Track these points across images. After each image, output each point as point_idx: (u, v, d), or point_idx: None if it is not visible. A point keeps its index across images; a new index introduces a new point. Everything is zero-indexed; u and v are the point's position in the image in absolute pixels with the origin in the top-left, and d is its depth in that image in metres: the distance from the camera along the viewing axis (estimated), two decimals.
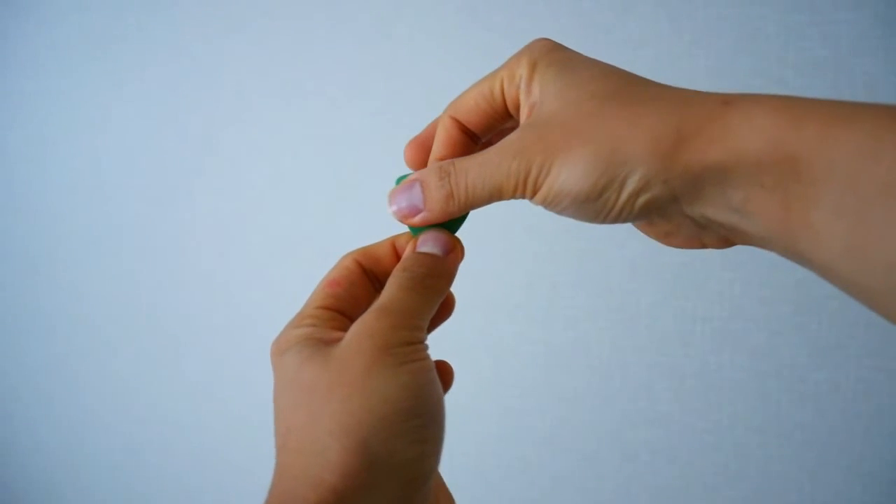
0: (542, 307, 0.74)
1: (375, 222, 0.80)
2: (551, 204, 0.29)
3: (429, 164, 0.35)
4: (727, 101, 0.27)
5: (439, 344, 0.86)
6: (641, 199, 0.28)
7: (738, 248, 0.31)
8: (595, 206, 0.28)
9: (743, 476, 0.69)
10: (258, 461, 0.90)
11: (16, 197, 0.98)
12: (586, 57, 0.31)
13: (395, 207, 0.33)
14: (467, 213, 0.32)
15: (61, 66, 0.91)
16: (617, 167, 0.27)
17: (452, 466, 0.80)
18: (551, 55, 0.30)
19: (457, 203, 0.31)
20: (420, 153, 0.35)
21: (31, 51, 0.93)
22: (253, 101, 0.83)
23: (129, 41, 0.88)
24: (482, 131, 0.34)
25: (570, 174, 0.28)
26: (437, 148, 0.34)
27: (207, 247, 0.88)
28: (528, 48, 0.31)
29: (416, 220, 0.32)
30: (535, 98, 0.30)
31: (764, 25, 0.63)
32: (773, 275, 0.66)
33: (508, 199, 0.30)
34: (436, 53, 0.74)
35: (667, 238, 0.31)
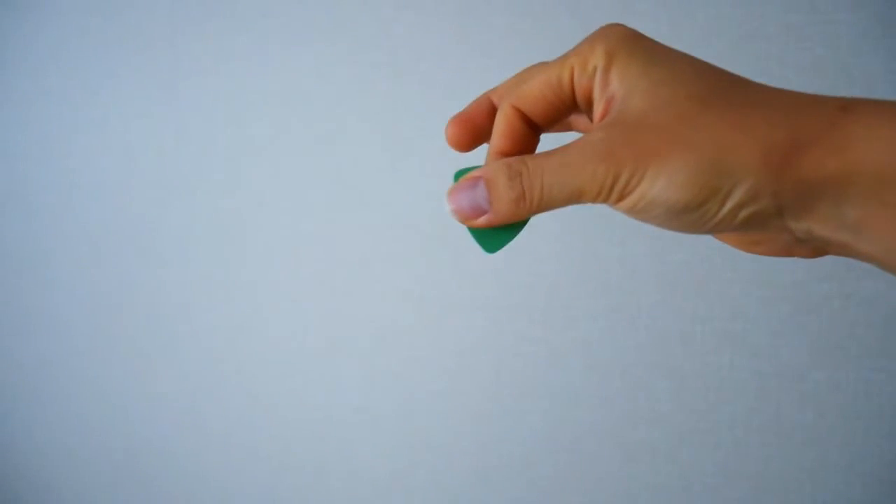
0: (542, 307, 0.74)
1: (376, 222, 0.80)
2: (641, 212, 0.27)
3: (489, 158, 0.32)
4: (845, 107, 0.25)
5: (440, 344, 0.86)
6: (745, 212, 0.25)
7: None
8: (691, 217, 0.26)
9: (743, 476, 0.69)
10: (258, 461, 0.90)
11: (16, 197, 0.98)
12: (671, 48, 0.28)
13: (454, 206, 0.29)
14: (532, 216, 0.30)
15: (61, 66, 0.91)
16: (723, 177, 0.25)
17: (452, 466, 0.80)
18: (632, 45, 0.28)
19: (528, 206, 0.28)
20: (465, 132, 0.32)
21: (31, 51, 0.93)
22: (253, 101, 0.83)
23: (129, 41, 0.88)
24: (546, 123, 0.31)
25: (668, 183, 0.25)
26: (498, 140, 0.31)
27: (207, 246, 0.88)
28: (603, 35, 0.29)
29: (481, 221, 0.29)
30: (614, 91, 0.28)
31: (764, 25, 0.63)
32: (773, 275, 0.66)
33: (587, 203, 0.28)
34: (436, 53, 0.74)
35: (752, 247, 0.29)
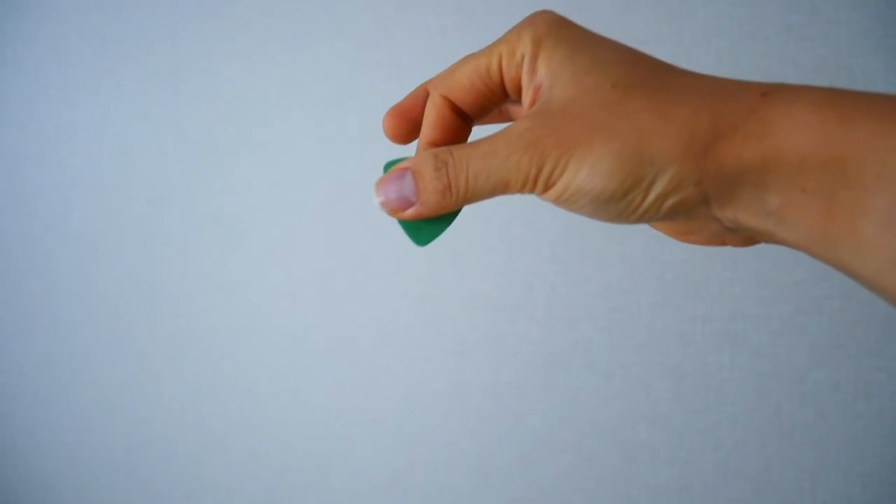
0: (542, 307, 0.74)
1: (376, 223, 0.80)
2: (566, 202, 0.26)
3: (418, 149, 0.31)
4: (765, 93, 0.24)
5: (440, 344, 0.86)
6: (670, 202, 0.25)
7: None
8: (617, 206, 0.26)
9: (743, 476, 0.69)
10: (258, 461, 0.90)
11: (16, 197, 0.98)
12: (598, 35, 0.28)
13: (382, 198, 0.29)
14: (461, 208, 0.29)
15: (61, 65, 0.91)
16: (645, 166, 0.24)
17: (452, 466, 0.80)
18: (559, 32, 0.27)
19: (454, 197, 0.28)
20: (401, 124, 0.32)
21: (31, 50, 0.93)
22: (253, 101, 0.83)
23: (129, 41, 0.88)
24: (476, 112, 0.30)
25: (591, 172, 0.25)
26: (427, 130, 0.30)
27: (207, 246, 0.88)
28: (531, 21, 0.28)
29: (408, 213, 0.29)
30: (542, 80, 0.27)
31: (764, 25, 0.63)
32: (773, 275, 0.66)
33: (514, 193, 0.27)
34: (436, 53, 0.74)
35: (685, 236, 0.29)
